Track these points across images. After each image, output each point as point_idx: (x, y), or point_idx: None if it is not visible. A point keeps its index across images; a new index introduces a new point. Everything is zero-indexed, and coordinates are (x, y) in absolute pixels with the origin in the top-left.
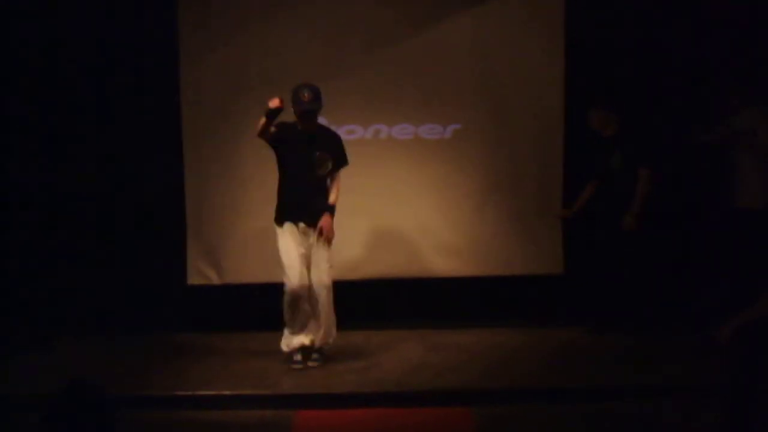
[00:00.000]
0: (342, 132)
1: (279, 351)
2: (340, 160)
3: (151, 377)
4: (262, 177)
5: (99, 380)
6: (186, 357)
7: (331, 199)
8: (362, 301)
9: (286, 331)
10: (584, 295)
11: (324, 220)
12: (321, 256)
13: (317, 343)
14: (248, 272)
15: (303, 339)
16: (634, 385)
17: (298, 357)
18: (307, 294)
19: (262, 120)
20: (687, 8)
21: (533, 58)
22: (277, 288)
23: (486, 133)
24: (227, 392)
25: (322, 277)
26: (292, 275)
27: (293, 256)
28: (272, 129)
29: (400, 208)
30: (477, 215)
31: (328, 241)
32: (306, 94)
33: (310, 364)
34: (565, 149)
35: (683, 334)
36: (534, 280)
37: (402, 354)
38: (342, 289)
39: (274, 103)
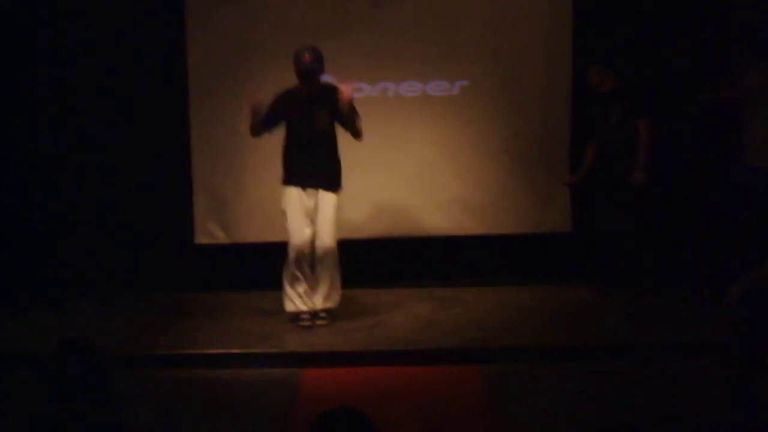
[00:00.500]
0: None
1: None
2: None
3: (160, 336)
4: (268, 136)
5: (94, 339)
6: (194, 316)
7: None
8: (370, 259)
9: (288, 291)
10: (592, 254)
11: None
12: (326, 217)
13: (322, 304)
14: (256, 231)
15: (306, 300)
16: (640, 344)
17: (306, 315)
18: (309, 255)
19: (250, 120)
20: None
21: (541, 14)
22: (284, 246)
23: (494, 90)
24: (236, 351)
25: (326, 239)
26: (296, 236)
27: (297, 218)
28: (269, 111)
29: (408, 166)
30: (485, 172)
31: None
32: (307, 55)
33: (318, 323)
34: (573, 105)
35: (691, 293)
36: (542, 238)
37: (410, 312)
38: (349, 248)
39: (255, 99)
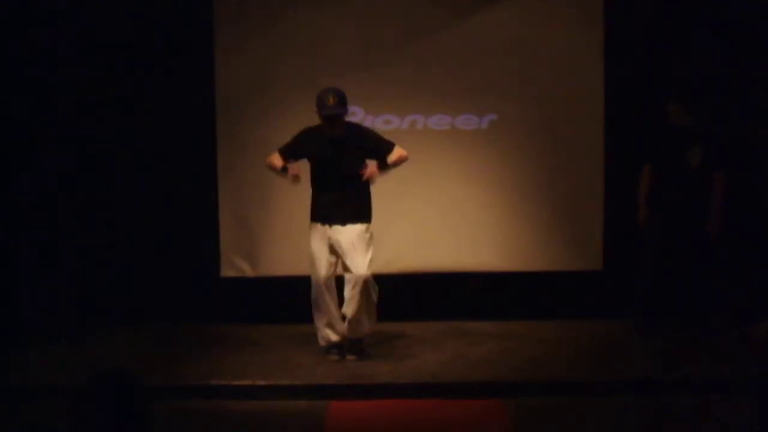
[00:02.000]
0: (378, 122)
1: (314, 342)
2: (380, 149)
3: (187, 367)
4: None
5: (131, 368)
6: (221, 348)
7: (390, 159)
8: (397, 293)
9: (317, 326)
10: (622, 289)
11: (370, 167)
12: (356, 248)
13: (351, 335)
14: (282, 265)
15: (335, 335)
16: (669, 379)
17: (335, 350)
18: (332, 291)
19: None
20: None
21: (572, 48)
22: (310, 281)
23: (523, 124)
24: (262, 382)
25: (357, 269)
26: (317, 274)
27: (320, 256)
28: (292, 144)
29: (437, 200)
30: (514, 209)
31: (369, 177)
32: (331, 99)
33: (348, 358)
34: (605, 140)
35: (720, 330)
36: (572, 273)
37: (437, 346)
38: (377, 282)
39: (293, 177)
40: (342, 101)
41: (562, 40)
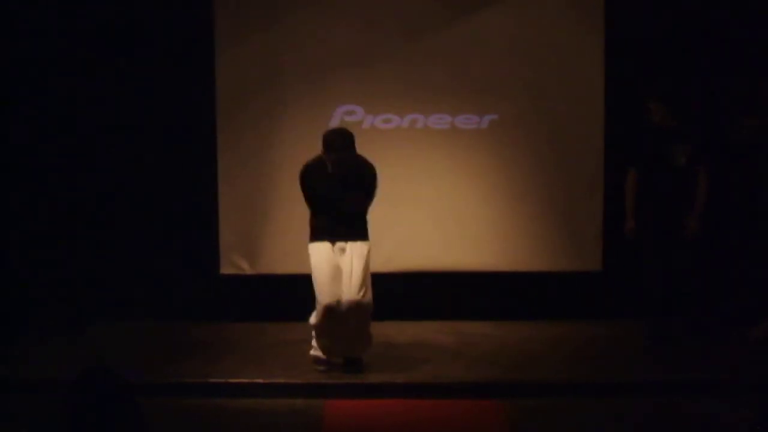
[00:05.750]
0: (378, 121)
1: (310, 341)
2: (368, 194)
3: (184, 364)
4: (296, 166)
5: (117, 366)
6: (219, 345)
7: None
8: (395, 293)
9: (314, 339)
10: (622, 290)
11: None
12: (356, 270)
13: (348, 354)
14: (281, 262)
15: (330, 355)
16: (666, 381)
17: (323, 364)
18: (339, 310)
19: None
20: None
21: (572, 48)
22: (309, 279)
23: (523, 124)
24: (259, 380)
25: (354, 293)
26: (324, 293)
27: (326, 274)
28: (306, 192)
29: (435, 199)
30: (513, 208)
31: None
32: (338, 141)
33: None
34: (606, 141)
35: (716, 332)
36: (571, 273)
37: (434, 345)
38: (374, 281)
39: None
40: (349, 143)
41: (563, 39)
